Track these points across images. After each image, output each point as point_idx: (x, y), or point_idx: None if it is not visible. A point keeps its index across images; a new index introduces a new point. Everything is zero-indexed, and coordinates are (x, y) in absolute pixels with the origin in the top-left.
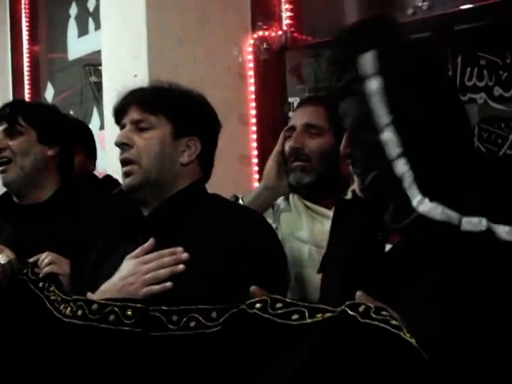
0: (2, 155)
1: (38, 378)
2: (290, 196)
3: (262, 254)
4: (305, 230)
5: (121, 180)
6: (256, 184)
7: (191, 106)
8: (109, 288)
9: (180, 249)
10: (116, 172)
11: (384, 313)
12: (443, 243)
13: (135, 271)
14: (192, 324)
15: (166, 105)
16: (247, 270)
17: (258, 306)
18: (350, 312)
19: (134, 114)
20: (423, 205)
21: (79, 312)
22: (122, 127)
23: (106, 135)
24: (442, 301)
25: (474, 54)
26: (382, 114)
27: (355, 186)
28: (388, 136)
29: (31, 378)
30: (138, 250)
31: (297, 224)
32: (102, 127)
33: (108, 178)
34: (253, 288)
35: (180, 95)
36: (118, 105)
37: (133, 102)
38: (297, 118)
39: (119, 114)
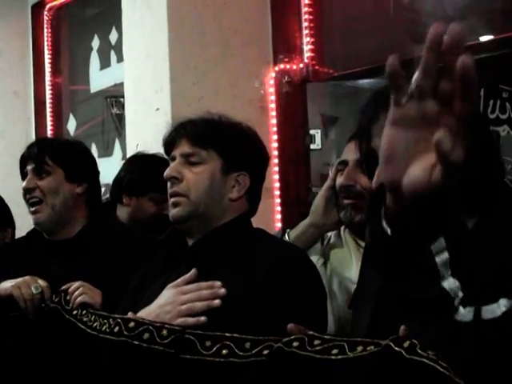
0: (32, 195)
1: None
2: (341, 230)
3: (300, 293)
4: (354, 270)
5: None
6: (279, 216)
7: (241, 140)
8: (146, 314)
9: (218, 283)
10: None
11: (430, 352)
12: None
13: (173, 300)
14: (224, 351)
15: (217, 140)
16: (285, 310)
17: (295, 344)
18: (394, 347)
19: (184, 148)
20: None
21: (116, 328)
22: (172, 159)
23: None
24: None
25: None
26: None
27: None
28: None
29: None
30: (179, 280)
31: (347, 262)
32: (123, 159)
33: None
34: (290, 325)
35: (230, 129)
36: (168, 137)
37: (183, 135)
38: (349, 153)
39: (169, 146)
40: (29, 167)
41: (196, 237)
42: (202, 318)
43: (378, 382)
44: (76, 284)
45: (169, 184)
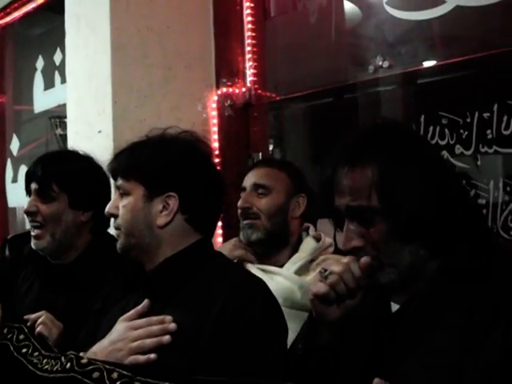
0: (33, 219)
1: None
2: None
3: (254, 331)
4: None
5: None
6: (220, 239)
7: (164, 160)
8: (99, 350)
9: (169, 318)
10: None
11: None
12: None
13: (124, 337)
14: None
15: (135, 167)
16: (236, 348)
17: None
18: None
19: (117, 182)
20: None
21: (68, 365)
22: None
23: None
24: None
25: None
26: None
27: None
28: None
29: None
30: (131, 313)
31: None
32: None
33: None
34: None
35: (152, 152)
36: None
37: (111, 170)
38: (247, 180)
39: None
40: (33, 187)
41: (149, 266)
42: (152, 356)
43: None
44: (40, 313)
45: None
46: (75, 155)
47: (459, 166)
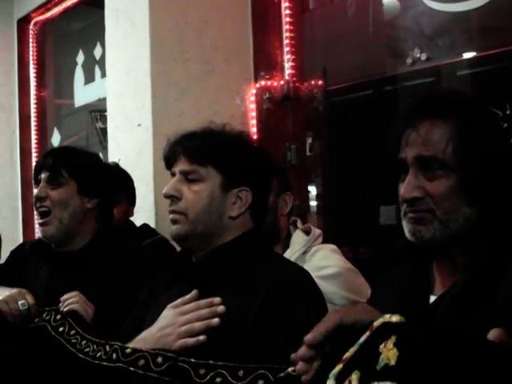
0: (42, 204)
1: None
2: None
3: (299, 317)
4: None
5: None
6: None
7: (242, 154)
8: (147, 337)
9: (217, 300)
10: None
11: None
12: None
13: (172, 322)
14: (218, 380)
15: (215, 156)
16: (281, 333)
17: (290, 369)
18: None
19: (183, 165)
20: None
21: (114, 355)
22: (172, 175)
23: None
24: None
25: None
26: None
27: (406, 232)
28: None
29: None
30: (178, 301)
31: None
32: None
33: (145, 226)
34: (293, 356)
35: (230, 143)
36: (167, 153)
37: (181, 152)
38: None
39: (169, 161)
40: (43, 175)
41: (198, 254)
42: (202, 338)
43: None
44: (72, 293)
45: (168, 201)
46: (82, 149)
47: None
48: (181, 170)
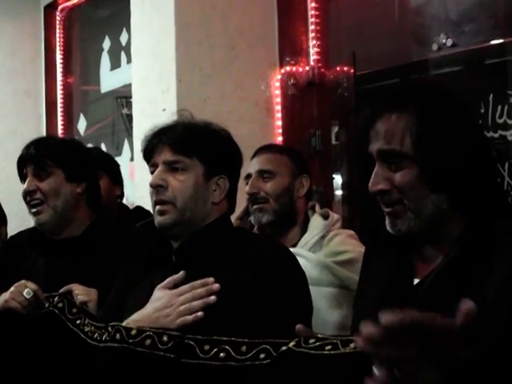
0: (33, 197)
1: None
2: None
3: (287, 288)
4: None
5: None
6: None
7: (221, 146)
8: (143, 318)
9: (211, 279)
10: (145, 204)
11: None
12: None
13: (170, 303)
14: (222, 355)
15: (199, 146)
16: (274, 304)
17: (291, 344)
18: None
19: (167, 155)
20: None
21: (117, 336)
22: (153, 165)
23: (136, 167)
24: None
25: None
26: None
27: (386, 224)
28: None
29: None
30: (167, 281)
31: None
32: (132, 159)
33: (139, 208)
34: (298, 327)
35: (210, 136)
36: (149, 144)
37: (165, 142)
38: (251, 167)
39: (150, 152)
40: (28, 169)
41: (181, 239)
42: (200, 313)
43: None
44: (70, 285)
45: (153, 191)
46: (61, 137)
47: None
48: (164, 161)
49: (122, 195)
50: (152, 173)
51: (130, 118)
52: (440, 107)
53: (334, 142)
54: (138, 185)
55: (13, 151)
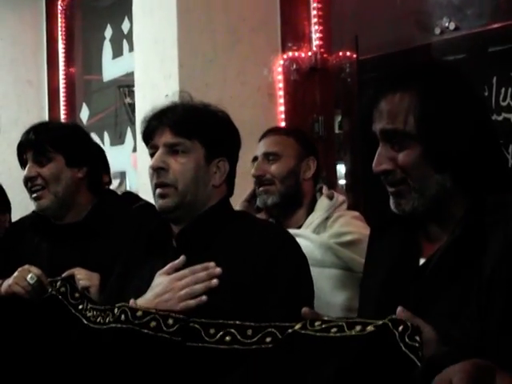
0: (34, 183)
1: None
2: None
3: (289, 272)
4: None
5: (150, 200)
6: None
7: (221, 128)
8: (144, 304)
9: (212, 264)
10: (148, 192)
11: (417, 338)
12: None
13: (170, 288)
14: (227, 338)
15: (200, 129)
16: (276, 288)
17: (297, 326)
18: (392, 328)
19: (167, 137)
20: None
21: (122, 316)
22: (152, 147)
23: (139, 156)
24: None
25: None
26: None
27: (391, 204)
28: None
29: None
30: (168, 267)
31: None
32: (135, 149)
33: (128, 193)
34: (304, 309)
35: (211, 118)
36: (148, 125)
37: (166, 124)
38: (258, 150)
39: (149, 134)
40: (28, 154)
41: (182, 223)
42: (203, 298)
43: (372, 361)
44: (72, 270)
45: (154, 174)
46: (60, 122)
47: None
48: (165, 143)
49: (109, 182)
50: (151, 155)
51: (132, 107)
52: (443, 86)
53: (337, 131)
54: (140, 174)
55: (15, 141)
